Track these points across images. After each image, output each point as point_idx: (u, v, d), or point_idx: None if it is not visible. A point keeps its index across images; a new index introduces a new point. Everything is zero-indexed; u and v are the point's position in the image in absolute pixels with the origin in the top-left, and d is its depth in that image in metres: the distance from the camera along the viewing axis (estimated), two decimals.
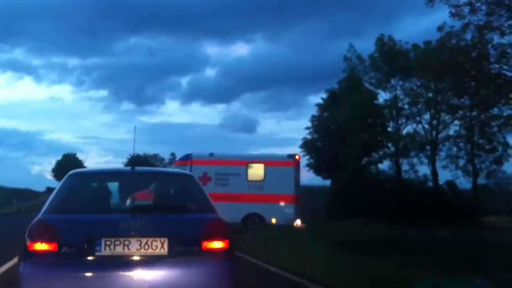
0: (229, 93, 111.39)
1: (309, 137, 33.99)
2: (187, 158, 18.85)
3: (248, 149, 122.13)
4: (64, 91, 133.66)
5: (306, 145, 33.70)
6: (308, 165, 34.02)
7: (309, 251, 9.82)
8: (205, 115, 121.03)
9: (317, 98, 34.60)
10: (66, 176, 5.07)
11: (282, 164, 18.80)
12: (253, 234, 14.55)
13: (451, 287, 1.49)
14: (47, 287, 4.21)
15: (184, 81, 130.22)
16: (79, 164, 60.54)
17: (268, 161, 19.00)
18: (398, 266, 7.80)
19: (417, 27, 56.62)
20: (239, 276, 5.95)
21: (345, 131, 29.41)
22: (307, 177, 36.85)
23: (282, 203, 18.08)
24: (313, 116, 34.20)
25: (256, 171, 18.68)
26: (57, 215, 4.53)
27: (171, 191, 5.29)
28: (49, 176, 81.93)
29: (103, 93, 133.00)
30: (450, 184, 29.86)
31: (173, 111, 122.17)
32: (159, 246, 4.35)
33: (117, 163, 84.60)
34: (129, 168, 5.42)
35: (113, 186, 5.44)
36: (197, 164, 18.22)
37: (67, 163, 62.21)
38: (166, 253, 4.35)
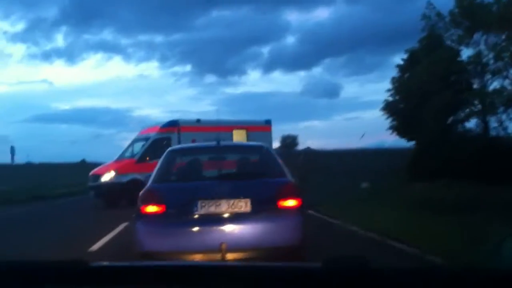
0: (310, 59, 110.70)
1: (390, 99, 33.80)
2: (174, 124, 18.85)
3: (331, 114, 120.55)
4: (151, 68, 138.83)
5: (388, 108, 33.54)
6: (391, 127, 33.94)
7: (386, 212, 10.37)
8: (287, 83, 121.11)
9: (401, 58, 33.92)
10: (166, 152, 6.22)
11: (261, 129, 19.46)
12: (333, 198, 15.22)
13: None
14: (157, 241, 5.35)
15: (265, 50, 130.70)
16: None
17: (250, 126, 19.56)
18: (480, 223, 7.82)
19: None
20: (319, 234, 6.76)
21: (427, 90, 28.93)
22: (391, 139, 36.67)
23: None
24: (393, 78, 33.87)
25: (240, 136, 19.17)
26: (162, 184, 5.67)
27: (251, 160, 6.29)
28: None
29: (187, 67, 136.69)
30: None
31: (255, 81, 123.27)
32: (243, 206, 5.35)
33: None
34: (215, 143, 6.47)
35: (204, 158, 6.54)
36: (185, 131, 18.39)
37: None
38: (249, 211, 5.34)
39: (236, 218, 5.30)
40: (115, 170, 17.50)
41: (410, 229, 8.06)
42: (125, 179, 17.07)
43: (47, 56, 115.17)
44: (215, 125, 18.85)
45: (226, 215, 5.33)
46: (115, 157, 19.33)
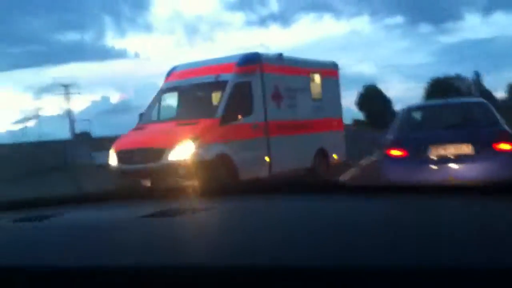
0: None
1: None
2: (255, 60, 11.32)
3: None
4: (362, 23, 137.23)
5: None
6: None
7: None
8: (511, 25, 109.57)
9: None
10: (404, 109, 8.37)
11: (332, 74, 13.54)
12: None
13: None
14: (399, 175, 7.40)
15: None
16: (381, 94, 63.78)
17: (323, 70, 13.17)
18: None
19: None
20: None
21: None
22: None
23: (335, 131, 13.09)
24: None
25: (316, 85, 12.94)
26: (403, 134, 7.74)
27: (473, 113, 8.03)
28: (354, 108, 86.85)
29: (399, 19, 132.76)
30: None
31: (472, 26, 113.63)
32: (466, 149, 7.13)
33: (418, 88, 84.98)
34: (444, 100, 8.41)
35: (435, 112, 8.51)
36: (268, 71, 11.42)
37: (369, 94, 66.51)
38: (471, 153, 7.10)
39: (460, 158, 7.09)
40: (194, 139, 9.70)
41: None
42: (208, 155, 9.70)
43: (263, 22, 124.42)
44: (295, 65, 12.46)
45: (452, 157, 7.15)
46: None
